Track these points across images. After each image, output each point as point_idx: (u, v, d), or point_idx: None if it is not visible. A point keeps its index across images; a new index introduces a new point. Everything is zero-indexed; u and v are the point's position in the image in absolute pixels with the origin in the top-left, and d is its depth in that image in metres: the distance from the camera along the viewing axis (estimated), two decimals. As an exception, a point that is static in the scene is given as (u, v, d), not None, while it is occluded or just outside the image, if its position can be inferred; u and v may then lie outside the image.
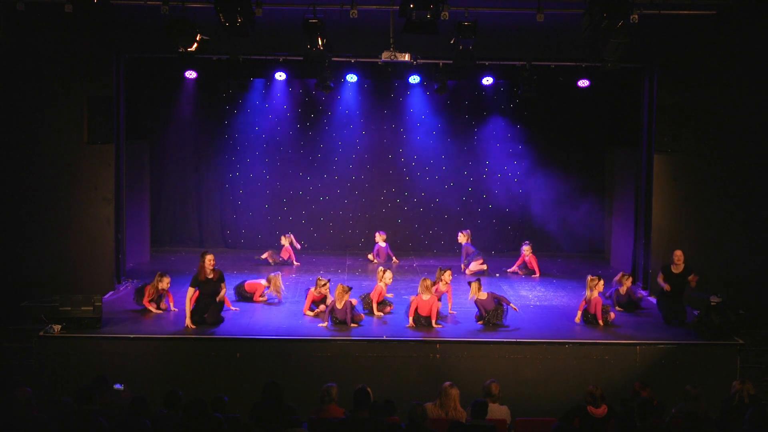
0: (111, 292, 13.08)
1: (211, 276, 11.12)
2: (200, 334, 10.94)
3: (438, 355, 10.68)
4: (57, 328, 10.75)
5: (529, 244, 15.26)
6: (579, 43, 11.54)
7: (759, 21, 12.38)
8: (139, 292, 11.96)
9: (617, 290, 12.44)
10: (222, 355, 10.65)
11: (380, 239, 15.82)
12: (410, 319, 11.25)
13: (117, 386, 8.57)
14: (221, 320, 11.29)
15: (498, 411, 8.26)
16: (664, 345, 10.83)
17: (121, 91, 13.39)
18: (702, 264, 12.47)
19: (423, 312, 11.23)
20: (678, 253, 11.77)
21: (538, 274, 14.94)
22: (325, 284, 11.65)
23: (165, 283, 11.80)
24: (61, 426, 7.26)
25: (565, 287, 14.05)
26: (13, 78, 12.97)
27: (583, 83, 15.36)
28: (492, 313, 11.24)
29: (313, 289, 11.75)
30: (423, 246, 16.98)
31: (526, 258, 15.15)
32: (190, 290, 11.07)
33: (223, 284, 11.23)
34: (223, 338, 10.84)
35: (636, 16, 10.59)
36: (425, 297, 11.24)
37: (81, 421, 7.12)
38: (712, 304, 11.19)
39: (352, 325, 11.13)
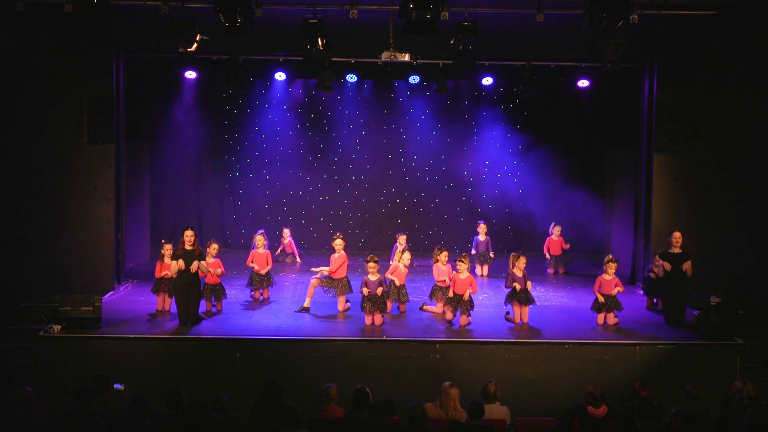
0: (111, 292, 13.10)
1: (190, 248, 11.15)
2: (200, 334, 10.96)
3: (438, 355, 10.68)
4: (57, 328, 10.76)
5: (558, 225, 15.31)
6: (579, 43, 11.52)
7: (759, 21, 12.37)
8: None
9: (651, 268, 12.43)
10: (222, 355, 10.65)
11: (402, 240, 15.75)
12: (452, 291, 11.44)
13: (117, 386, 8.57)
14: (199, 318, 11.36)
15: (498, 411, 8.26)
16: (664, 345, 10.83)
17: (121, 91, 13.39)
18: (702, 264, 12.45)
19: (459, 290, 11.37)
20: (677, 234, 11.71)
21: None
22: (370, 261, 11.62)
23: (167, 249, 11.89)
24: (61, 426, 7.26)
25: (565, 287, 14.06)
26: (13, 78, 12.98)
27: (583, 83, 15.36)
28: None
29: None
30: (423, 246, 16.95)
31: (554, 239, 15.20)
32: (173, 262, 11.18)
33: (203, 261, 11.23)
34: (223, 338, 10.84)
35: (636, 16, 10.59)
36: (462, 276, 11.38)
37: (81, 421, 7.11)
38: (712, 304, 11.20)
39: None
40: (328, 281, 12.05)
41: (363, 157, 17.13)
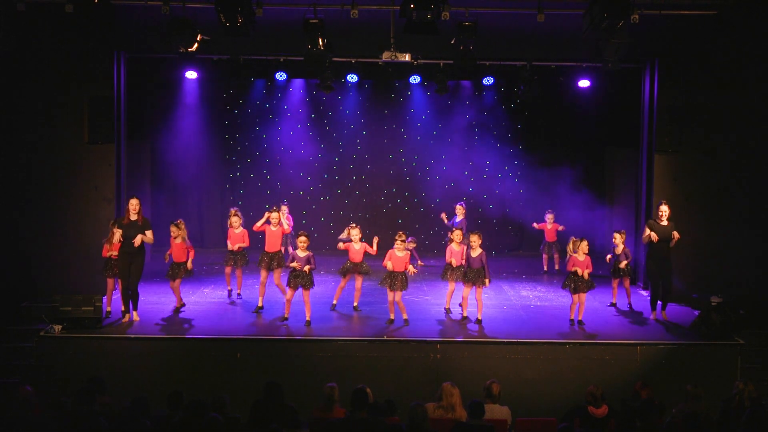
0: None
1: (135, 219, 11.11)
2: (200, 334, 10.96)
3: (438, 355, 10.68)
4: (57, 328, 10.77)
5: (552, 212, 15.33)
6: (579, 43, 11.55)
7: (759, 21, 12.37)
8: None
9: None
10: (222, 355, 10.66)
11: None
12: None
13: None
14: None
15: (498, 411, 8.25)
16: (664, 345, 10.84)
17: (121, 91, 13.40)
18: (702, 264, 12.45)
19: (398, 268, 11.45)
20: (663, 207, 11.79)
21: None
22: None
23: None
24: (63, 426, 7.25)
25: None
26: (14, 78, 12.98)
27: (584, 83, 15.36)
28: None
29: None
30: (423, 246, 16.97)
31: (548, 227, 15.21)
32: (115, 231, 11.14)
33: (148, 231, 11.15)
34: (223, 338, 10.84)
35: (636, 17, 10.60)
36: (399, 254, 11.41)
37: (81, 421, 7.11)
38: (713, 304, 11.19)
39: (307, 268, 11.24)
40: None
41: (363, 157, 17.14)
